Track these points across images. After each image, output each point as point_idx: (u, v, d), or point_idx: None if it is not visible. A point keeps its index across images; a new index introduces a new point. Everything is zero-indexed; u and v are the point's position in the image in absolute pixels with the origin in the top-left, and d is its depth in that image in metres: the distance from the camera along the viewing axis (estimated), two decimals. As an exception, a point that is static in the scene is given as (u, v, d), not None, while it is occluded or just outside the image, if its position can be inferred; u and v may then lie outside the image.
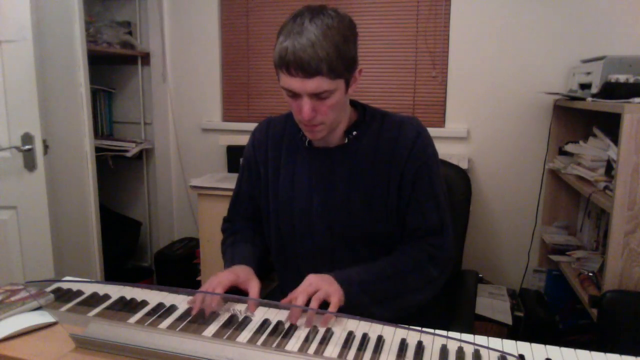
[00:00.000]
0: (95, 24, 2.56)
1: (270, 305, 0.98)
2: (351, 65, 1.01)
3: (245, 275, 1.07)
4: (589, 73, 1.87)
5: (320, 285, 0.96)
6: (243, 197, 1.28)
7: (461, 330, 0.90)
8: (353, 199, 1.11)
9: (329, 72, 0.96)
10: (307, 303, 0.93)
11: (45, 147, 1.83)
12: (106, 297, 1.01)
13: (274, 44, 1.01)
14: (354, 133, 1.13)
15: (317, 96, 0.99)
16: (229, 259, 1.17)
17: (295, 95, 1.01)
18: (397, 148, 1.10)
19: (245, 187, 1.27)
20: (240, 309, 0.97)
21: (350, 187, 1.11)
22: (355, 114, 1.16)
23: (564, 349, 0.84)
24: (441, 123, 2.41)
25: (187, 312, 0.96)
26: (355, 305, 0.97)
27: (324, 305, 0.94)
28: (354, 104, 1.17)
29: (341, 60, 0.97)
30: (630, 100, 1.45)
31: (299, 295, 0.94)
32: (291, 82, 0.98)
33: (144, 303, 0.99)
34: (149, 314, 0.95)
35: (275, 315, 0.95)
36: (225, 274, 1.05)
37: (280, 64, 0.98)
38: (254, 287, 1.05)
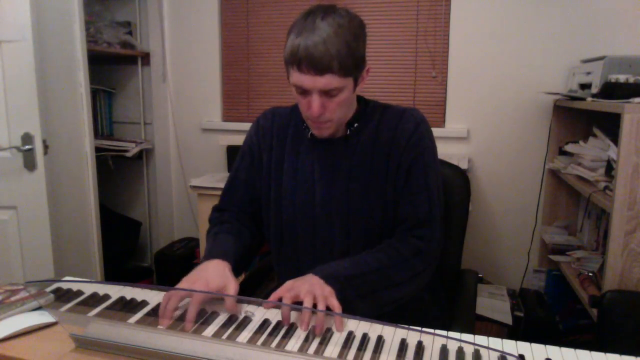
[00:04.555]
0: (95, 24, 2.56)
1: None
2: (360, 64, 1.03)
3: (219, 281, 0.99)
4: (589, 73, 1.87)
5: (312, 291, 0.92)
6: (239, 184, 1.24)
7: (462, 331, 0.90)
8: (352, 190, 1.11)
9: (340, 69, 0.97)
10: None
11: (45, 147, 1.83)
12: (106, 297, 1.01)
13: (285, 43, 1.01)
14: (355, 125, 1.13)
15: (327, 93, 1.00)
16: (207, 251, 1.11)
17: (304, 92, 1.01)
18: (396, 138, 1.11)
19: (242, 174, 1.23)
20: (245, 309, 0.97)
21: (350, 179, 1.12)
22: (357, 106, 1.16)
23: (564, 349, 0.84)
24: (441, 123, 2.41)
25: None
26: (340, 301, 0.95)
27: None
28: (356, 98, 1.17)
29: (351, 59, 0.98)
30: (630, 100, 1.45)
31: (305, 302, 0.89)
32: (302, 78, 0.99)
33: (144, 303, 0.99)
34: (149, 314, 0.95)
35: (276, 315, 0.95)
36: (197, 287, 0.97)
37: (291, 61, 0.99)
38: (229, 293, 0.97)
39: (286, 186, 1.17)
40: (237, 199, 1.25)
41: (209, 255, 1.08)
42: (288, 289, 0.94)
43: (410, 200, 1.10)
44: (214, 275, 1.01)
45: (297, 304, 0.91)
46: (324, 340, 0.85)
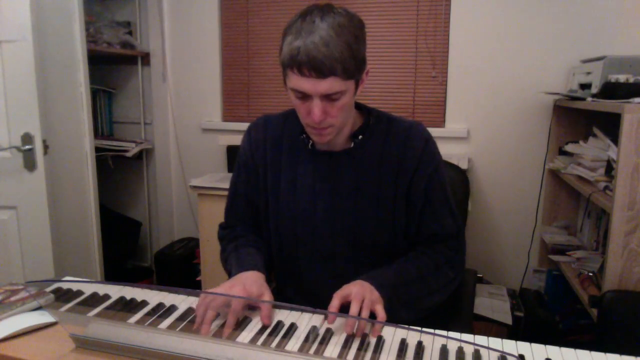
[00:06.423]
0: (95, 24, 2.56)
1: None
2: (362, 65, 0.99)
3: (256, 288, 0.99)
4: (589, 73, 1.87)
5: (363, 293, 0.93)
6: (240, 199, 1.22)
7: (460, 330, 0.90)
8: (360, 204, 1.09)
9: (343, 72, 0.93)
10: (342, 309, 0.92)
11: (45, 147, 1.83)
12: (106, 297, 1.01)
13: (280, 44, 0.97)
14: (360, 137, 1.10)
15: (328, 97, 0.96)
16: (235, 264, 1.09)
17: (304, 96, 0.97)
18: (406, 155, 1.09)
19: (241, 189, 1.21)
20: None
21: (357, 193, 1.09)
22: (360, 117, 1.14)
23: (564, 349, 0.84)
24: (441, 123, 2.41)
25: (187, 312, 0.96)
26: (387, 309, 0.95)
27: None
28: (358, 106, 1.15)
29: (353, 61, 0.94)
30: (630, 100, 1.45)
31: (352, 304, 0.91)
32: (303, 83, 0.94)
33: (144, 303, 0.99)
34: (149, 314, 0.95)
35: (275, 315, 0.95)
36: (236, 290, 0.96)
37: (290, 64, 0.93)
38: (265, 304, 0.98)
39: (284, 199, 1.14)
40: (241, 214, 1.23)
41: (240, 269, 1.06)
42: (340, 290, 0.95)
43: (434, 217, 1.11)
44: (251, 282, 1.00)
45: (346, 305, 0.92)
46: (324, 340, 0.85)
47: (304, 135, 1.12)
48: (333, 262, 1.13)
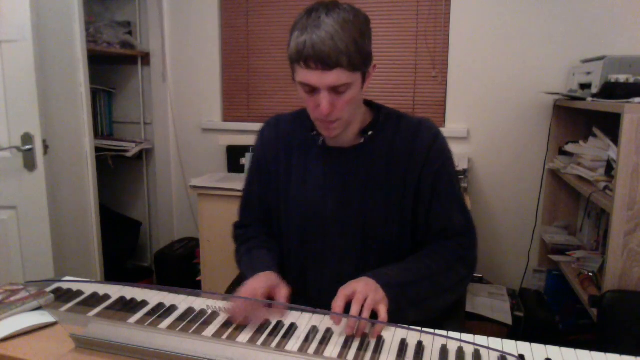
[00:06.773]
0: (95, 24, 2.56)
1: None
2: (367, 59, 1.01)
3: (272, 282, 1.03)
4: (589, 73, 1.87)
5: (367, 292, 0.93)
6: (254, 199, 1.24)
7: (453, 328, 0.90)
8: (369, 201, 1.10)
9: (349, 64, 0.95)
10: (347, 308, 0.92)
11: (45, 147, 1.83)
12: (106, 297, 1.01)
13: (287, 41, 1.00)
14: (370, 133, 1.11)
15: (335, 90, 0.98)
16: (249, 267, 1.12)
17: (312, 90, 0.99)
18: (414, 151, 1.09)
19: (256, 188, 1.23)
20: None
21: (366, 189, 1.10)
22: (370, 114, 1.14)
23: (564, 349, 0.84)
24: (441, 123, 2.40)
25: (187, 312, 0.96)
26: (393, 309, 0.94)
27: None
28: (368, 103, 1.16)
29: (359, 54, 0.96)
30: (630, 100, 1.45)
31: (353, 305, 0.91)
32: (310, 76, 0.96)
33: (144, 303, 0.99)
34: (149, 314, 0.95)
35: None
36: (258, 281, 1.01)
37: (297, 58, 0.96)
38: (282, 294, 1.01)
39: (295, 196, 1.15)
40: (255, 213, 1.25)
41: (253, 272, 1.08)
42: (345, 287, 0.95)
43: (443, 213, 1.10)
44: (265, 279, 1.03)
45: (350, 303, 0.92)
46: (324, 340, 0.86)
47: (315, 132, 1.13)
48: (341, 259, 1.12)
